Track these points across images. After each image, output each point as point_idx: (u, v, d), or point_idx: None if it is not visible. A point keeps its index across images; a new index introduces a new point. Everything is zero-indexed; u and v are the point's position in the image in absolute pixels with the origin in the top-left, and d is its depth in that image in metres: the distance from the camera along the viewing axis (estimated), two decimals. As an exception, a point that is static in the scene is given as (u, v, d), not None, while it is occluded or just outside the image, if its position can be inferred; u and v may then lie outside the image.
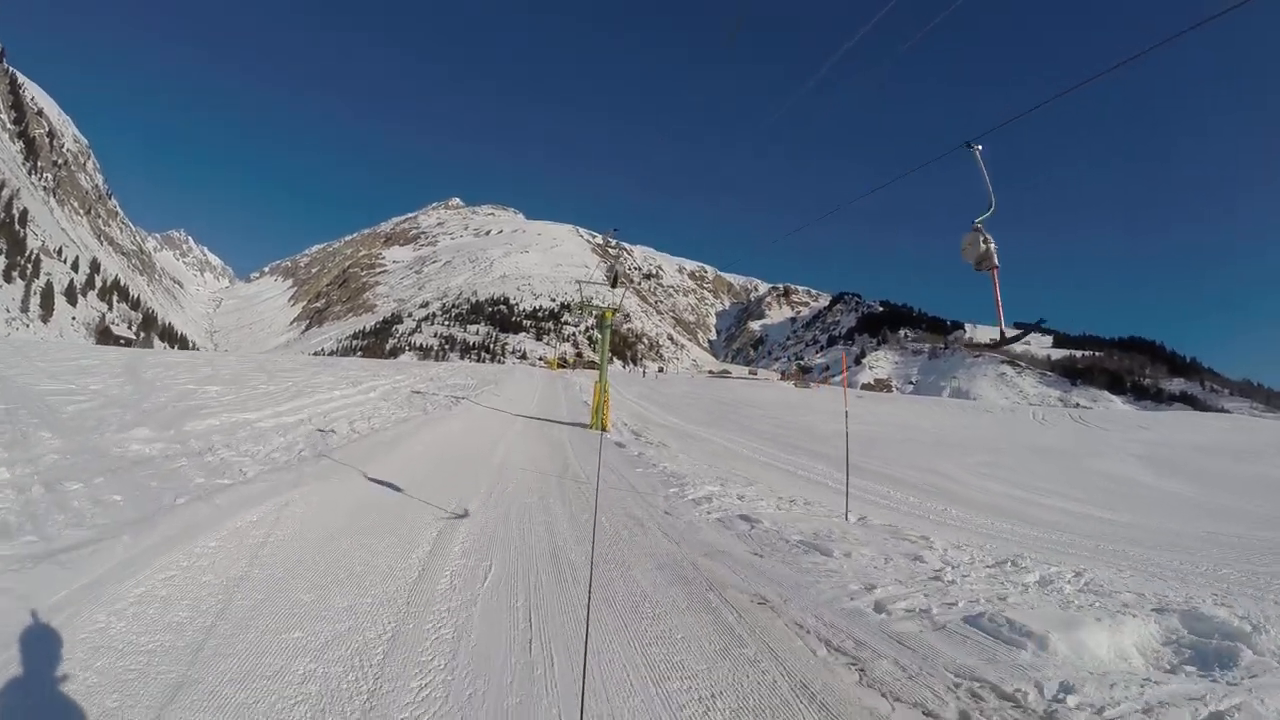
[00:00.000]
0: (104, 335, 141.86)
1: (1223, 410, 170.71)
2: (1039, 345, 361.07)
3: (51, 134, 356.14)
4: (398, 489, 10.00)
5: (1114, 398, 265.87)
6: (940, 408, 74.00)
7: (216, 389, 20.55)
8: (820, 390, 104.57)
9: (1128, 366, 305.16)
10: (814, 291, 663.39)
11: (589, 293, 26.14)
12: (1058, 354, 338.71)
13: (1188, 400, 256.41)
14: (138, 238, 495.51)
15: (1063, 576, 7.72)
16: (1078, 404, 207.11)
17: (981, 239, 5.87)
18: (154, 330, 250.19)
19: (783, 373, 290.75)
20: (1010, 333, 5.99)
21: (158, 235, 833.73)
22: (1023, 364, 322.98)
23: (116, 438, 11.11)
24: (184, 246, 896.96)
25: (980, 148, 6.14)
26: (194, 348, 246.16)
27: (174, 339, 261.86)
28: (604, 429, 22.59)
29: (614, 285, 26.16)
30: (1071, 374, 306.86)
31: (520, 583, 6.49)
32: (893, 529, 9.92)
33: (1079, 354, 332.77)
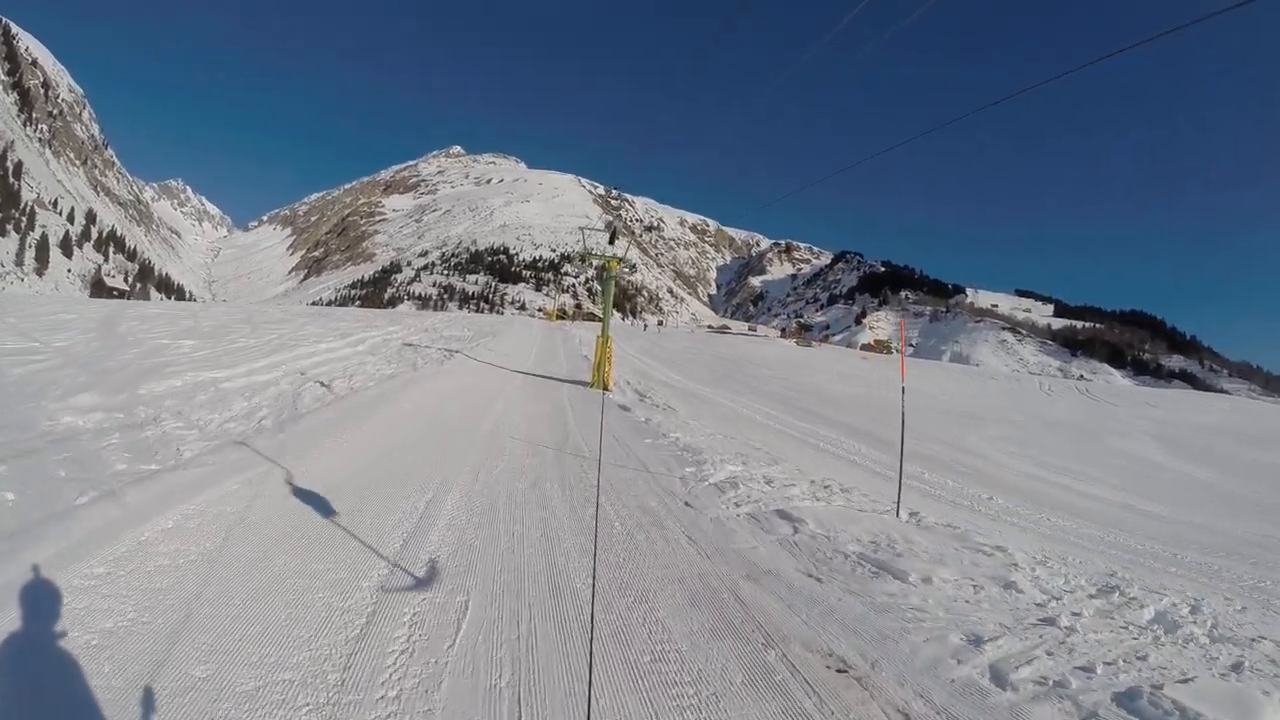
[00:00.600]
0: (97, 287, 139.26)
1: (1222, 391, 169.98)
2: (1039, 313, 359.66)
3: (46, 85, 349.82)
4: (360, 475, 8.19)
5: (1114, 371, 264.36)
6: (944, 372, 72.95)
7: (191, 343, 18.69)
8: (823, 349, 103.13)
9: (1128, 340, 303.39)
10: (816, 249, 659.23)
11: (591, 242, 24.28)
12: (1058, 323, 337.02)
13: (1187, 379, 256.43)
14: (135, 188, 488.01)
15: (1179, 611, 6.24)
16: (1080, 376, 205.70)
17: None
18: (150, 281, 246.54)
19: (783, 330, 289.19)
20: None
21: (155, 185, 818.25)
22: (1024, 331, 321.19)
23: (53, 407, 9.36)
24: (182, 196, 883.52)
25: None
26: (191, 298, 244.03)
27: (171, 289, 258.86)
28: (606, 388, 20.99)
29: (612, 242, 25.10)
30: (1072, 344, 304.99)
31: (506, 634, 4.60)
32: (955, 532, 8.32)
33: (1080, 324, 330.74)
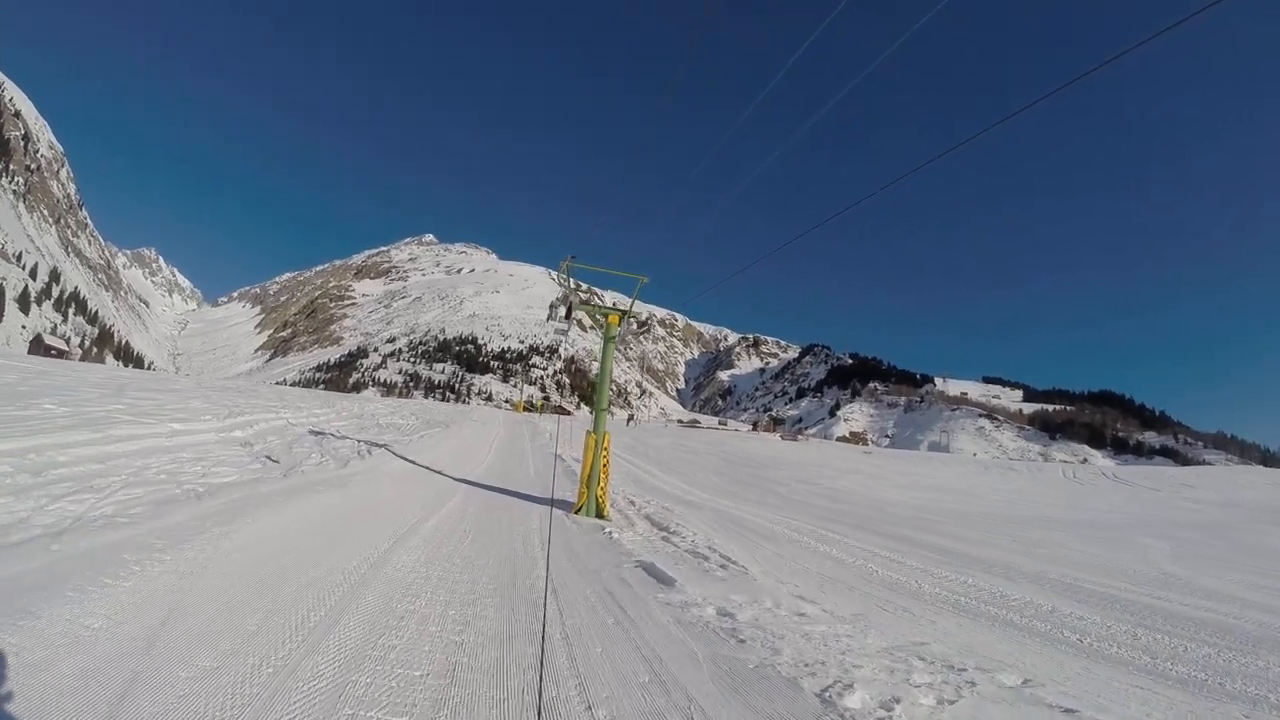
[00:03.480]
0: (35, 344, 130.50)
1: (1204, 463, 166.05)
2: (1009, 399, 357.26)
3: (27, 137, 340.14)
4: None
5: (1094, 452, 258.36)
6: (958, 464, 66.48)
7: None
8: (812, 443, 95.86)
9: (1101, 421, 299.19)
10: (783, 343, 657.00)
11: (570, 304, 16.42)
12: (1029, 408, 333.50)
13: (1169, 454, 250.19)
14: (107, 252, 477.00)
15: None
16: (1084, 459, 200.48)
17: None
18: (109, 347, 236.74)
19: (754, 424, 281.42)
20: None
21: (128, 252, 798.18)
22: (1000, 418, 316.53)
23: None
24: (154, 265, 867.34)
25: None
26: (149, 367, 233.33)
27: (130, 358, 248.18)
28: (601, 515, 13.15)
29: (567, 316, 18.20)
30: (1050, 428, 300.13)
31: None
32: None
33: (1051, 408, 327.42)
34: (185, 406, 19.28)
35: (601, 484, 13.45)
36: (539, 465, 23.18)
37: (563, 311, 16.25)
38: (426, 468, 17.53)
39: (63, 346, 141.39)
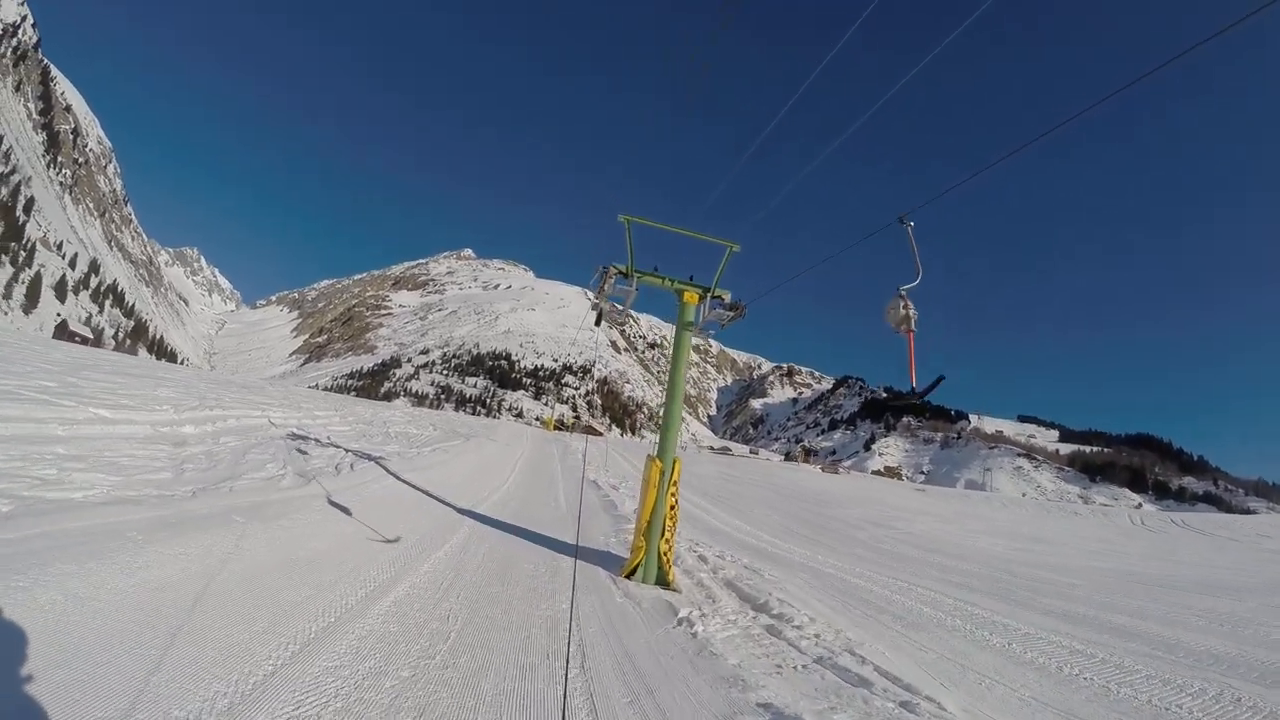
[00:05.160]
0: (60, 330, 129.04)
1: (1249, 510, 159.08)
2: (1045, 439, 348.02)
3: (76, 131, 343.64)
4: None
5: (1135, 496, 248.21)
6: (1018, 506, 62.22)
7: None
8: (854, 476, 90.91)
9: (1139, 463, 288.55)
10: (817, 374, 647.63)
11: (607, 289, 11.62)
12: (1065, 448, 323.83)
13: (1211, 500, 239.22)
14: (150, 249, 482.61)
15: None
16: (1139, 505, 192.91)
17: (903, 305, 5.96)
18: (142, 340, 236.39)
19: (787, 454, 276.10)
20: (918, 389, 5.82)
21: (170, 250, 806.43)
22: (1039, 458, 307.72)
23: None
24: (195, 264, 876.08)
25: (912, 224, 6.14)
26: (183, 363, 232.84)
27: (164, 352, 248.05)
28: (666, 581, 8.86)
29: (598, 324, 14.18)
30: (1089, 470, 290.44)
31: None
32: None
33: (1087, 449, 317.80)
34: (147, 394, 15.72)
35: (666, 536, 9.08)
36: (571, 494, 18.82)
37: (594, 317, 11.96)
38: (425, 492, 13.25)
39: (87, 334, 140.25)
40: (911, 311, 5.91)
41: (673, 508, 9.21)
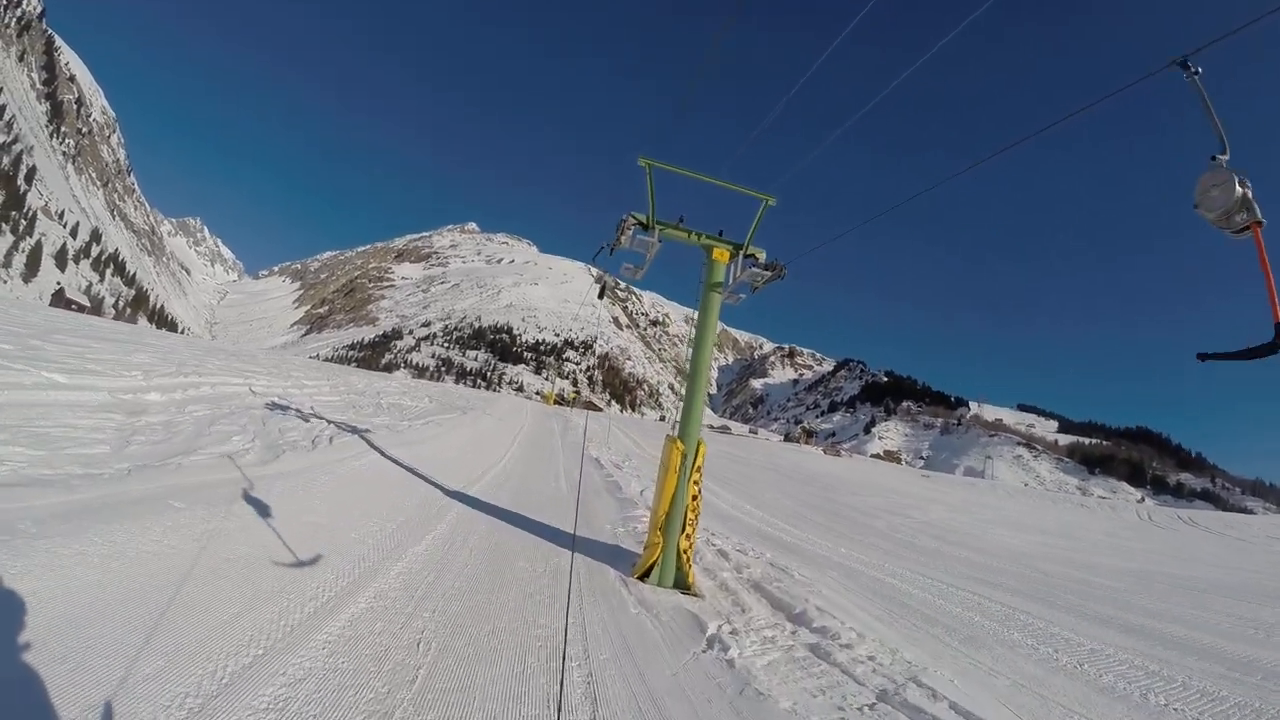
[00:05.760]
0: (57, 298, 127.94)
1: (1246, 509, 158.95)
2: (1044, 429, 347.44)
3: (80, 101, 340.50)
4: None
5: (1133, 490, 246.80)
6: (1024, 496, 62.59)
7: None
8: (859, 460, 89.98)
9: (1138, 457, 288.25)
10: (819, 355, 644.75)
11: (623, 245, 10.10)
12: (1064, 439, 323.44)
13: (1209, 498, 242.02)
14: (152, 219, 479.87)
15: None
16: (1142, 498, 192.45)
17: (1237, 180, 3.42)
18: (143, 310, 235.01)
19: (786, 434, 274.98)
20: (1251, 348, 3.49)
21: (173, 220, 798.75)
22: (1039, 447, 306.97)
23: None
24: (198, 235, 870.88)
25: (1199, 71, 3.71)
26: (184, 333, 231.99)
27: (164, 322, 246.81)
28: (686, 586, 7.62)
29: (601, 296, 14.17)
30: (1088, 461, 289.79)
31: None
32: None
33: (1087, 440, 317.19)
34: (119, 360, 14.35)
35: (688, 531, 7.79)
36: (573, 473, 17.55)
37: (596, 291, 10.67)
38: (411, 470, 11.96)
39: (84, 302, 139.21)
40: (1249, 191, 3.54)
41: (695, 498, 7.88)
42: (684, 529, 7.72)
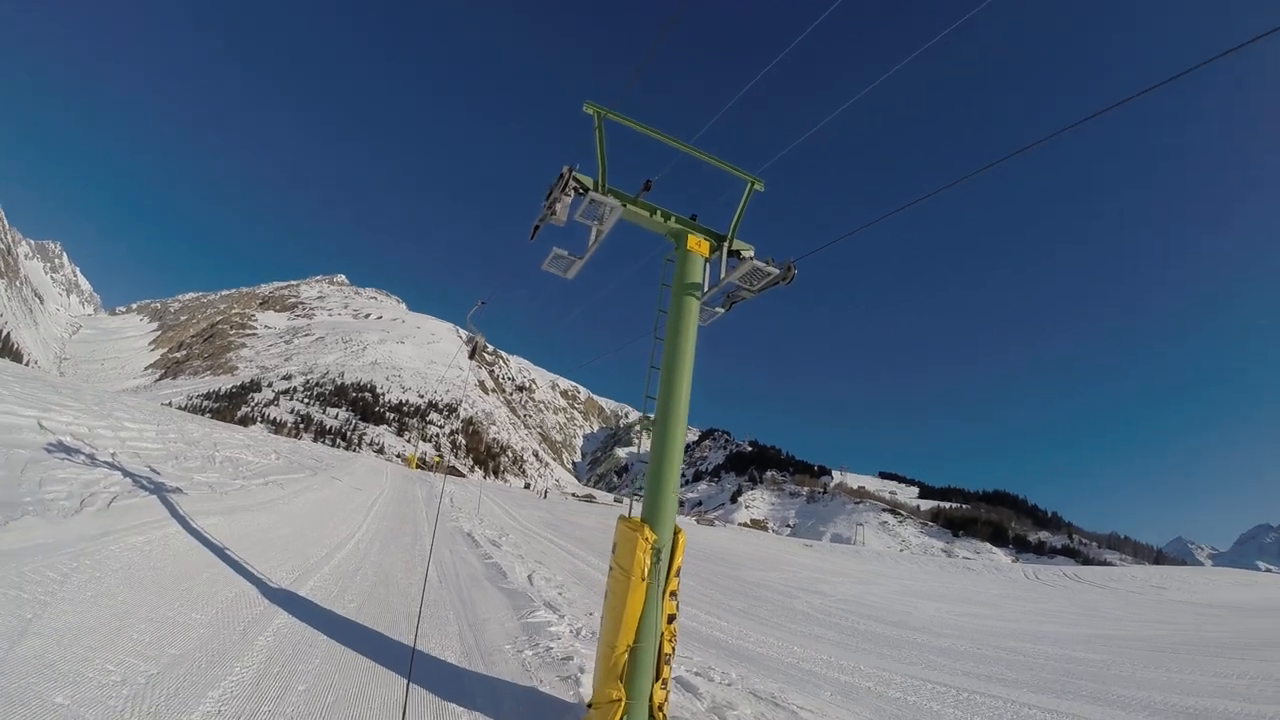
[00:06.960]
0: None
1: (1105, 562, 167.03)
2: (906, 494, 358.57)
3: None
4: None
5: (996, 550, 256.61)
6: (910, 562, 65.18)
7: None
8: (736, 530, 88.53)
9: (998, 519, 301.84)
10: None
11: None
12: (926, 504, 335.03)
13: (1069, 553, 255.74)
14: (10, 236, 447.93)
15: None
16: (1015, 558, 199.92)
17: None
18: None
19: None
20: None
21: (31, 241, 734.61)
22: (903, 513, 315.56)
23: None
24: (57, 260, 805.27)
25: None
26: (28, 365, 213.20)
27: (8, 351, 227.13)
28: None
29: (472, 356, 17.83)
30: (951, 525, 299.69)
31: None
32: None
33: (947, 505, 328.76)
34: None
35: (665, 676, 4.80)
36: (445, 557, 14.16)
37: (467, 352, 11.88)
38: (223, 551, 8.51)
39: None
40: None
41: (672, 619, 4.91)
42: (659, 673, 4.70)
